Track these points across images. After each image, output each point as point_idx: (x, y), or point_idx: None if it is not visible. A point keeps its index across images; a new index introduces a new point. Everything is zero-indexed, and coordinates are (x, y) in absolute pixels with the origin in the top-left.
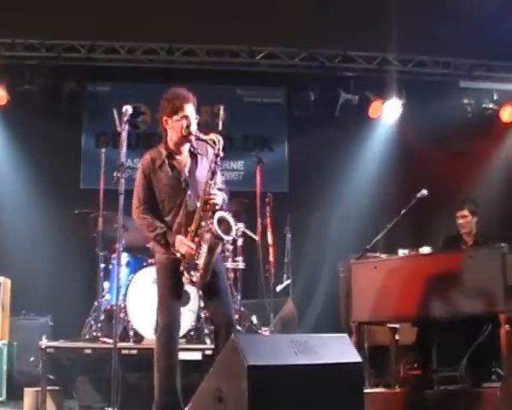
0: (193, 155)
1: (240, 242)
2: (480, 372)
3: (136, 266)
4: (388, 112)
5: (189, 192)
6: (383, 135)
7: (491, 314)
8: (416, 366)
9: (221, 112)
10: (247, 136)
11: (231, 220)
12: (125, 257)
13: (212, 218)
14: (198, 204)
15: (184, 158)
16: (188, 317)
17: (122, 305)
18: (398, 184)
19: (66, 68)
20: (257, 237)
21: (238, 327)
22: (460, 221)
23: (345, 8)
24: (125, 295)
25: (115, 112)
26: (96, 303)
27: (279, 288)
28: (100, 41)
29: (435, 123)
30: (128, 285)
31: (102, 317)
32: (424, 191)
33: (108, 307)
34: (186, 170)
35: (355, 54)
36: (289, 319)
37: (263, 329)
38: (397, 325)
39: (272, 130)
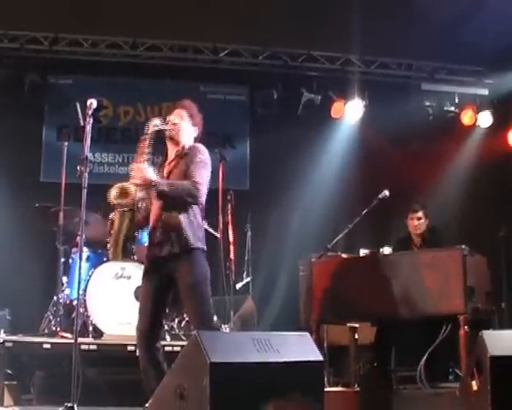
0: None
1: None
2: (438, 372)
3: (96, 261)
4: (350, 112)
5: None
6: (345, 135)
7: (451, 315)
8: (375, 365)
9: None
10: (209, 133)
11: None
12: (85, 252)
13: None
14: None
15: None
16: None
17: (82, 300)
18: (359, 185)
19: (28, 60)
20: (218, 235)
21: None
22: (415, 223)
23: (309, 8)
24: (85, 290)
25: (78, 105)
26: (55, 298)
27: (239, 285)
28: (63, 33)
29: (397, 124)
30: (88, 280)
31: (62, 311)
32: (386, 192)
33: (68, 302)
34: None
35: (318, 54)
36: (249, 317)
37: (223, 326)
38: (356, 325)
39: (235, 127)
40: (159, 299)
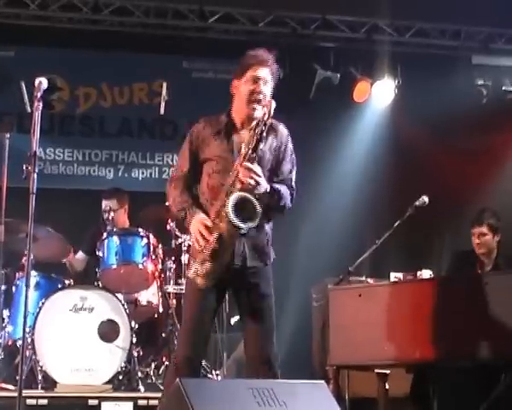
0: (258, 132)
1: (185, 259)
2: None
3: (48, 289)
4: (379, 95)
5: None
6: (371, 124)
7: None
8: None
9: (163, 90)
10: (195, 122)
11: (257, 205)
12: (33, 276)
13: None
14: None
15: (247, 134)
16: (115, 356)
17: (29, 339)
18: (390, 189)
19: None
20: None
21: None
22: (477, 241)
23: None
24: (33, 326)
25: (23, 85)
26: None
27: (234, 320)
28: None
29: (440, 110)
30: (37, 314)
31: (1, 355)
32: (425, 198)
33: (10, 343)
34: (243, 147)
35: (336, 18)
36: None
37: (214, 372)
38: (387, 371)
39: None
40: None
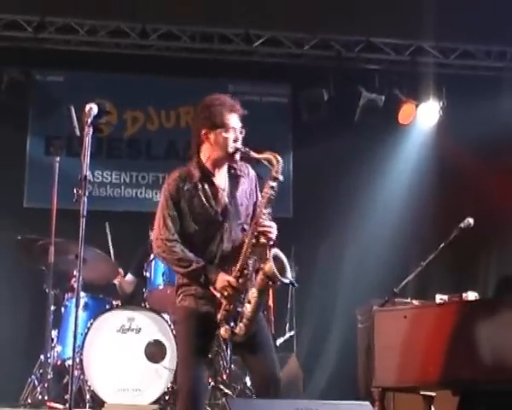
0: (233, 176)
1: None
2: None
3: (96, 310)
4: (424, 117)
5: (226, 225)
6: (416, 146)
7: None
8: None
9: None
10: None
11: (285, 260)
12: (82, 298)
13: (266, 254)
14: (246, 238)
15: (222, 181)
16: (162, 376)
17: (78, 360)
18: (435, 210)
19: (6, 50)
20: None
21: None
22: None
23: None
24: (82, 346)
25: (72, 109)
26: (42, 357)
27: (280, 341)
28: (51, 16)
29: (485, 131)
30: (86, 334)
31: (50, 375)
32: (469, 220)
33: (59, 363)
34: (225, 195)
35: (381, 41)
36: (293, 381)
37: None
38: (433, 393)
39: (273, 137)
40: None
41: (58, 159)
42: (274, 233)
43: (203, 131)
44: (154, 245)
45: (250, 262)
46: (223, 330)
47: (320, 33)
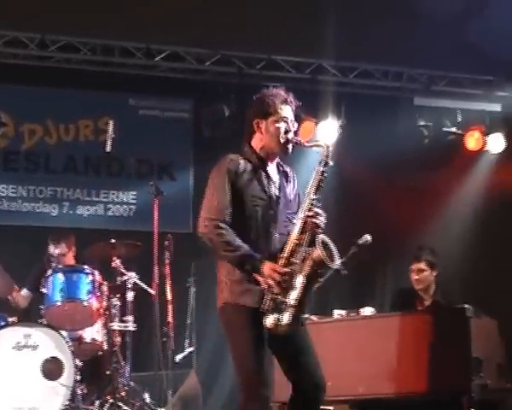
0: (282, 173)
1: (130, 296)
2: None
3: None
4: (323, 135)
5: (277, 214)
6: (315, 164)
7: (452, 395)
8: None
9: (109, 127)
10: (141, 160)
11: (333, 246)
12: None
13: (314, 241)
14: (296, 227)
15: (274, 174)
16: (59, 393)
17: None
18: (333, 227)
19: None
20: (153, 291)
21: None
22: (415, 276)
23: (270, 2)
24: None
25: None
26: None
27: (179, 357)
28: None
29: (383, 150)
30: None
31: None
32: (367, 237)
33: None
34: (277, 186)
35: (282, 59)
36: (192, 398)
37: (158, 409)
38: (330, 408)
39: (175, 153)
40: None
41: None
42: (322, 220)
43: (255, 121)
44: (201, 225)
45: (298, 250)
46: (267, 322)
47: (222, 49)
